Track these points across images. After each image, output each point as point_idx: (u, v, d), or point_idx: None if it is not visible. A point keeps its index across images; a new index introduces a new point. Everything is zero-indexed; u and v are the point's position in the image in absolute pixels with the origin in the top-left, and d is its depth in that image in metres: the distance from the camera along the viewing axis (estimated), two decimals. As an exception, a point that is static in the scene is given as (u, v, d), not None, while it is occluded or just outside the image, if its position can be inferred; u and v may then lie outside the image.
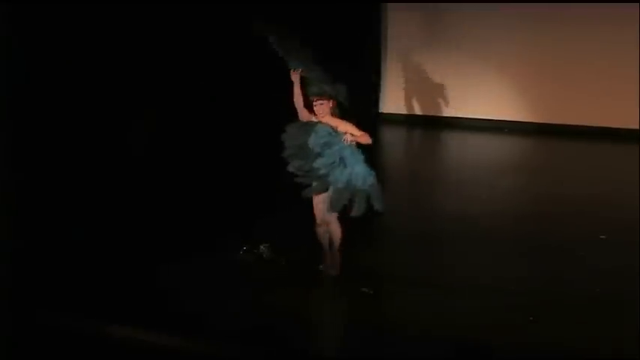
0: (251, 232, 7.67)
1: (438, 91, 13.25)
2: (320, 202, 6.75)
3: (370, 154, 6.75)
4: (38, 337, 5.88)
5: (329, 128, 6.53)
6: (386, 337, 6.08)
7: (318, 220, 6.84)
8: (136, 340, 5.94)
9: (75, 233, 7.30)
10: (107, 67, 8.25)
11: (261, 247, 7.42)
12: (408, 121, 13.34)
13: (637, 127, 11.87)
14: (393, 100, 13.56)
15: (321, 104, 6.55)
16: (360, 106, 7.05)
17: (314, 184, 6.68)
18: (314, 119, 6.63)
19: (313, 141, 6.53)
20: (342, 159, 6.51)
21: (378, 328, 6.24)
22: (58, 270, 6.82)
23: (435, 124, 13.21)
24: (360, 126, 6.61)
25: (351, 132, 6.48)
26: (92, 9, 7.95)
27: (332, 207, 6.61)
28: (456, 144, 12.94)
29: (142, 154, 8.50)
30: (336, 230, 6.85)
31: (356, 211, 6.56)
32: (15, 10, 6.91)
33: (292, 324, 6.26)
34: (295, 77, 6.61)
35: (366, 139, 6.50)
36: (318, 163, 6.53)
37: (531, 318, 6.25)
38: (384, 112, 13.47)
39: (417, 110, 13.45)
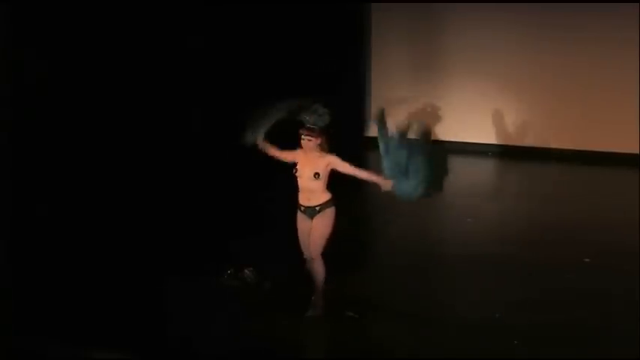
0: (235, 256, 7.65)
1: (425, 114, 13.27)
2: (306, 235, 6.66)
3: (356, 180, 6.76)
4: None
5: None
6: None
7: (306, 254, 6.72)
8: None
9: (55, 256, 7.26)
10: (104, 75, 8.26)
11: (246, 271, 7.41)
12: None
13: (636, 151, 11.84)
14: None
15: (310, 140, 6.45)
16: (347, 131, 7.06)
17: None
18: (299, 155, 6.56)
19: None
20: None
21: (365, 353, 6.23)
22: (39, 294, 6.79)
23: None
24: (345, 151, 6.64)
25: (340, 167, 6.47)
26: (91, 10, 7.96)
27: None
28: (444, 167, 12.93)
29: (127, 179, 8.47)
30: (318, 269, 6.69)
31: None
32: (15, 10, 6.91)
33: (277, 349, 6.24)
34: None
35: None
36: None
37: (515, 342, 6.26)
38: (371, 136, 13.47)
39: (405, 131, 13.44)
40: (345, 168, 6.49)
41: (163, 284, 7.17)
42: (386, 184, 6.48)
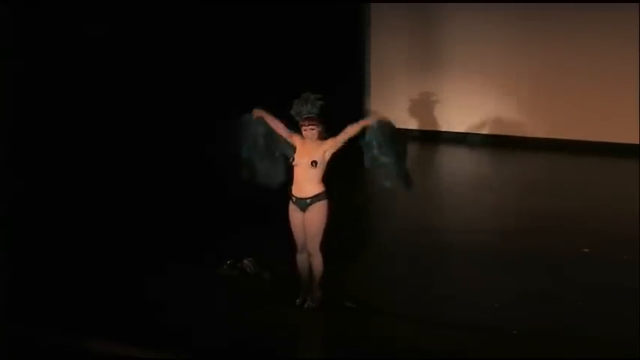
0: (235, 246, 7.65)
1: (425, 104, 13.27)
2: (298, 227, 6.57)
3: (355, 168, 6.74)
4: (18, 353, 5.86)
5: None
6: (369, 352, 6.08)
7: (299, 246, 6.66)
8: (117, 355, 5.91)
9: (54, 246, 7.27)
10: (105, 71, 8.27)
11: (245, 261, 7.41)
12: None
13: (636, 142, 11.81)
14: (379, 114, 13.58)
15: (312, 129, 6.36)
16: (346, 120, 7.07)
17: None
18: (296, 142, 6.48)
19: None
20: None
21: (363, 343, 6.24)
22: (37, 283, 6.80)
23: (421, 138, 13.23)
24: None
25: (340, 142, 6.38)
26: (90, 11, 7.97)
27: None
28: (443, 158, 12.96)
29: (126, 168, 8.47)
30: (317, 263, 6.62)
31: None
32: (15, 10, 6.90)
33: (275, 339, 6.24)
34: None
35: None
36: None
37: (514, 332, 6.27)
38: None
39: (404, 124, 13.45)
40: (342, 137, 6.38)
41: (162, 274, 7.19)
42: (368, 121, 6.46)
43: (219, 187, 9.10)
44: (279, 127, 6.55)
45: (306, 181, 6.45)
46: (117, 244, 7.63)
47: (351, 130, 6.41)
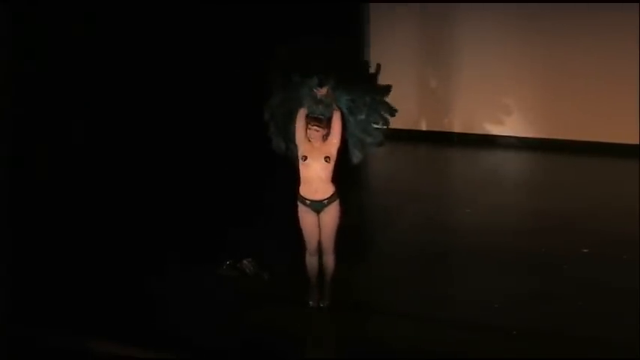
0: (234, 247, 7.65)
1: (425, 104, 13.26)
2: (312, 229, 6.45)
3: (357, 169, 6.72)
4: (18, 353, 5.86)
5: None
6: (369, 352, 6.09)
7: (311, 249, 6.56)
8: (117, 355, 5.92)
9: (54, 246, 7.27)
10: (103, 72, 8.27)
11: (244, 261, 7.41)
12: (393, 135, 13.28)
13: (636, 142, 11.79)
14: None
15: (317, 131, 6.23)
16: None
17: None
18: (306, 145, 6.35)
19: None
20: None
21: (363, 343, 6.24)
22: (37, 283, 6.80)
23: (421, 138, 13.22)
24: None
25: (336, 133, 6.30)
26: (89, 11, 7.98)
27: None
28: (443, 158, 12.95)
29: (125, 169, 8.47)
30: (331, 262, 6.57)
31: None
32: (15, 11, 6.90)
33: (276, 339, 6.25)
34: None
35: None
36: None
37: (514, 332, 6.27)
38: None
39: (403, 124, 13.43)
40: (336, 126, 6.29)
41: (163, 274, 7.19)
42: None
43: (220, 186, 9.12)
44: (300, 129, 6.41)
45: (319, 181, 6.32)
46: (117, 243, 7.63)
47: (335, 116, 6.31)
